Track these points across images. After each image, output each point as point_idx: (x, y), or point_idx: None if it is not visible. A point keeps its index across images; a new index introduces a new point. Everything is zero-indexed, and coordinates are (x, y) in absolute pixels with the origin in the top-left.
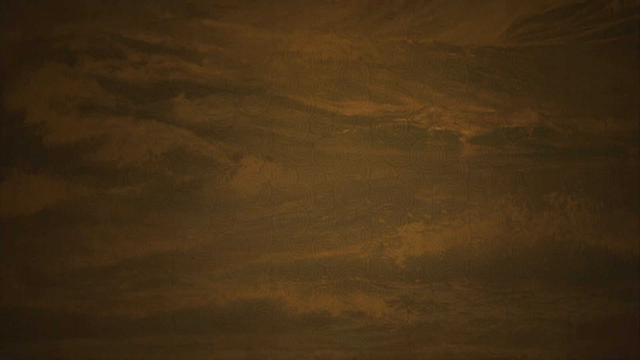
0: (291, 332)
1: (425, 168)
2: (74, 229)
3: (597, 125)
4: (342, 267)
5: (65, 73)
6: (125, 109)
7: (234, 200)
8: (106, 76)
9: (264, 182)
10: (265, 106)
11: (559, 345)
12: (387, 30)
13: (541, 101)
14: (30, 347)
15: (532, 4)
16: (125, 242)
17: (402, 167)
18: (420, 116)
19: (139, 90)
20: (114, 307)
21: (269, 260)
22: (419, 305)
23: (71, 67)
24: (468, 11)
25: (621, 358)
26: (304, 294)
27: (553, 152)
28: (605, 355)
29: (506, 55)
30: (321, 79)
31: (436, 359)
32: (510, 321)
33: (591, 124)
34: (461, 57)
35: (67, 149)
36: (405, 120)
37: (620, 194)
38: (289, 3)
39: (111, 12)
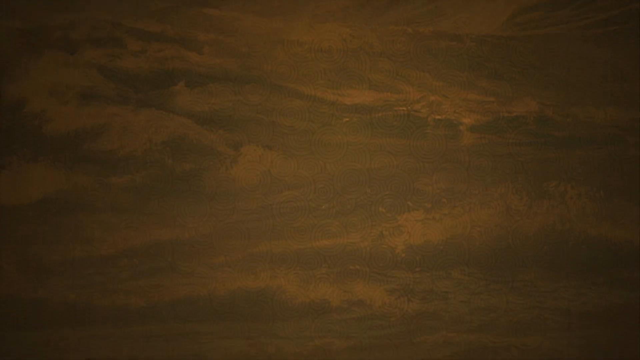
0: (291, 320)
1: (425, 157)
2: (74, 218)
3: (597, 114)
4: (342, 256)
5: (66, 62)
6: (126, 98)
7: (234, 188)
8: (106, 65)
9: (264, 171)
10: (265, 95)
11: (559, 333)
12: (387, 19)
13: (541, 90)
14: (30, 336)
15: None
16: (125, 231)
17: (402, 155)
18: (420, 105)
19: (139, 78)
20: (114, 296)
21: (269, 248)
22: (419, 293)
23: (71, 55)
24: (468, 0)
25: (621, 346)
26: (304, 282)
27: (553, 141)
28: (605, 344)
29: (506, 44)
30: (321, 68)
31: (436, 348)
32: (511, 310)
33: (591, 113)
34: (461, 46)
35: (67, 137)
36: (405, 109)
37: (620, 183)
38: None
39: (111, 1)
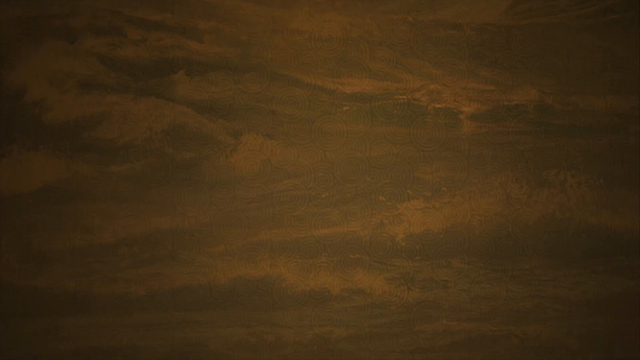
0: (291, 309)
1: (425, 145)
2: (74, 207)
3: (597, 102)
4: (342, 245)
5: (66, 50)
6: (126, 87)
7: (234, 177)
8: (106, 53)
9: (264, 160)
10: (265, 83)
11: (559, 322)
12: (387, 8)
13: (541, 78)
14: (30, 325)
15: None
16: (125, 219)
17: (402, 144)
18: (420, 93)
19: (139, 67)
20: (114, 284)
21: (269, 237)
22: (419, 282)
23: (71, 44)
24: None
25: (621, 334)
26: (304, 271)
27: (553, 129)
28: (605, 332)
29: (506, 33)
30: (321, 57)
31: (436, 336)
32: (510, 298)
33: (591, 101)
34: (461, 34)
35: (67, 126)
36: (405, 97)
37: (621, 171)
38: None
39: None
